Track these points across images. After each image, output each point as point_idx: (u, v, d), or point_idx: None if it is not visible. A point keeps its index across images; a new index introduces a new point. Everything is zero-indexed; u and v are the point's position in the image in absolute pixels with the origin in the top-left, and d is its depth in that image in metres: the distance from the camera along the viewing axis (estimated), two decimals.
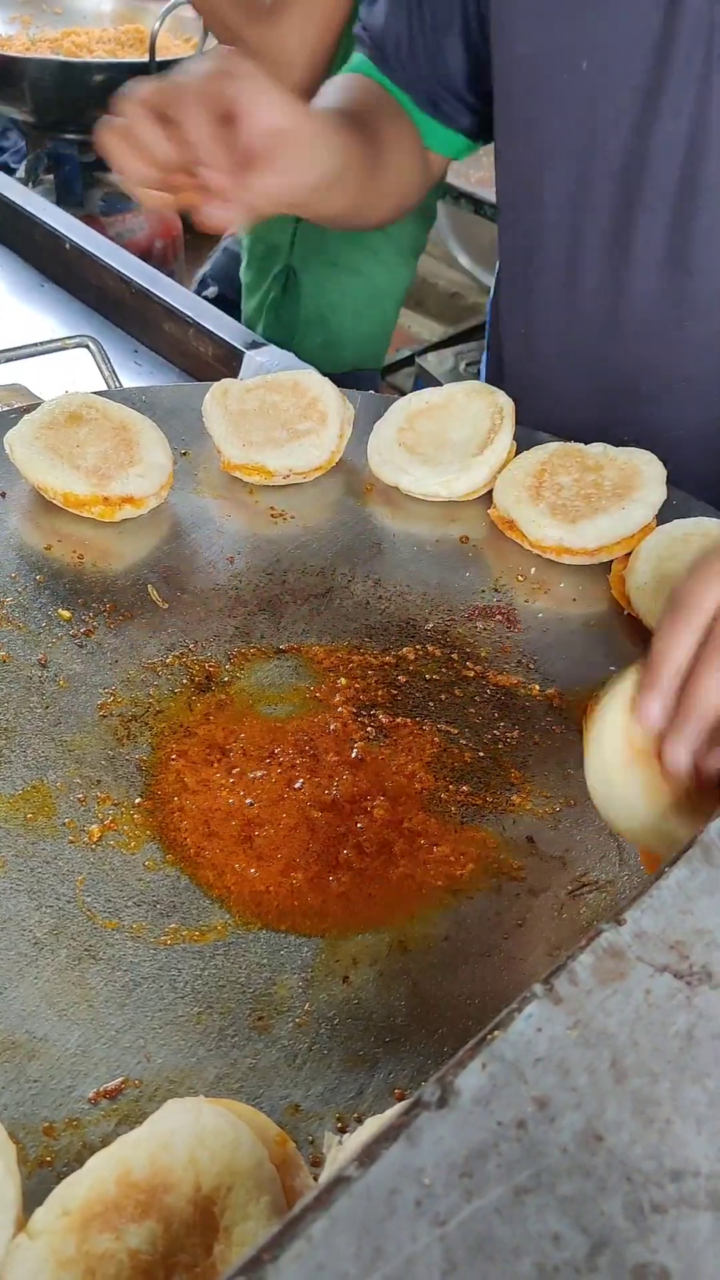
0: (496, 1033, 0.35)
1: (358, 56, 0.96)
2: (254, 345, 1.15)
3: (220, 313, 1.24)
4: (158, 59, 1.92)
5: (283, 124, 0.73)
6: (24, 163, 2.33)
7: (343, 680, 0.71)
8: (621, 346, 0.88)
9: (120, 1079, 0.49)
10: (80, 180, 2.33)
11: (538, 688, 0.72)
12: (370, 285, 1.45)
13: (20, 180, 1.87)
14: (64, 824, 0.60)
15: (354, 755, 0.66)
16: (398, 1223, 0.30)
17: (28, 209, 1.40)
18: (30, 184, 2.14)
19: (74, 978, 0.53)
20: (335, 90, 0.94)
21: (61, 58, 2.08)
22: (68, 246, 1.35)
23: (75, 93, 2.00)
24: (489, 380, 1.02)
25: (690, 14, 0.73)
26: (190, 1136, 0.41)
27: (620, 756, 0.51)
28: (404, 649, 0.74)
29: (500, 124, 0.89)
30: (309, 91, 0.97)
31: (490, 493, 0.85)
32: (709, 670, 0.49)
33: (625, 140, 0.79)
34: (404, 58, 0.92)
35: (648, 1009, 0.36)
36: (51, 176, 2.28)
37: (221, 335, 1.14)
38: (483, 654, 0.74)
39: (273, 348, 1.11)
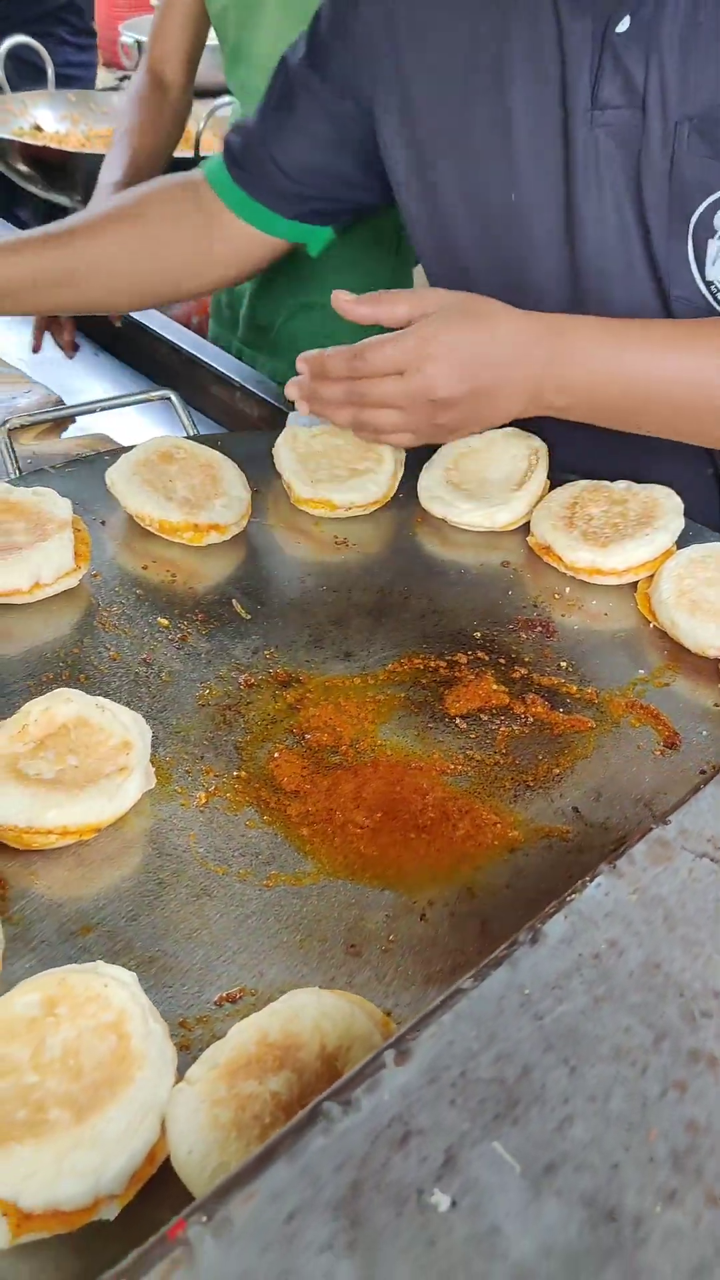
0: (574, 895, 0.44)
1: (212, 164, 1.10)
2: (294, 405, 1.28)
3: (263, 376, 1.38)
4: (201, 154, 2.09)
5: None
6: None
7: (405, 678, 0.81)
8: None
9: (239, 987, 0.58)
10: None
11: (576, 687, 0.82)
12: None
13: None
14: (176, 790, 0.70)
15: (415, 736, 0.76)
16: (505, 1019, 0.39)
17: None
18: None
19: (194, 910, 0.62)
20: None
21: None
22: (119, 324, 1.49)
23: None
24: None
25: (579, 142, 0.86)
26: (315, 1010, 0.51)
27: None
28: (457, 654, 0.84)
29: (425, 251, 1.03)
30: None
31: (528, 524, 0.96)
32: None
33: (537, 256, 0.92)
34: (261, 164, 1.06)
35: (691, 882, 0.45)
36: None
37: (265, 396, 1.27)
38: (526, 659, 0.84)
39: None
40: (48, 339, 1.51)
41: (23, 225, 2.24)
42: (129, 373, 1.59)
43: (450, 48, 0.91)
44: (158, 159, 1.49)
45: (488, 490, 0.97)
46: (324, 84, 1.00)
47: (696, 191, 0.84)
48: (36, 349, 1.49)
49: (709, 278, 0.87)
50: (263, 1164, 0.34)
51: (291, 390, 0.89)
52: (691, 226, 0.85)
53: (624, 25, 0.81)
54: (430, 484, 0.98)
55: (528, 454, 0.98)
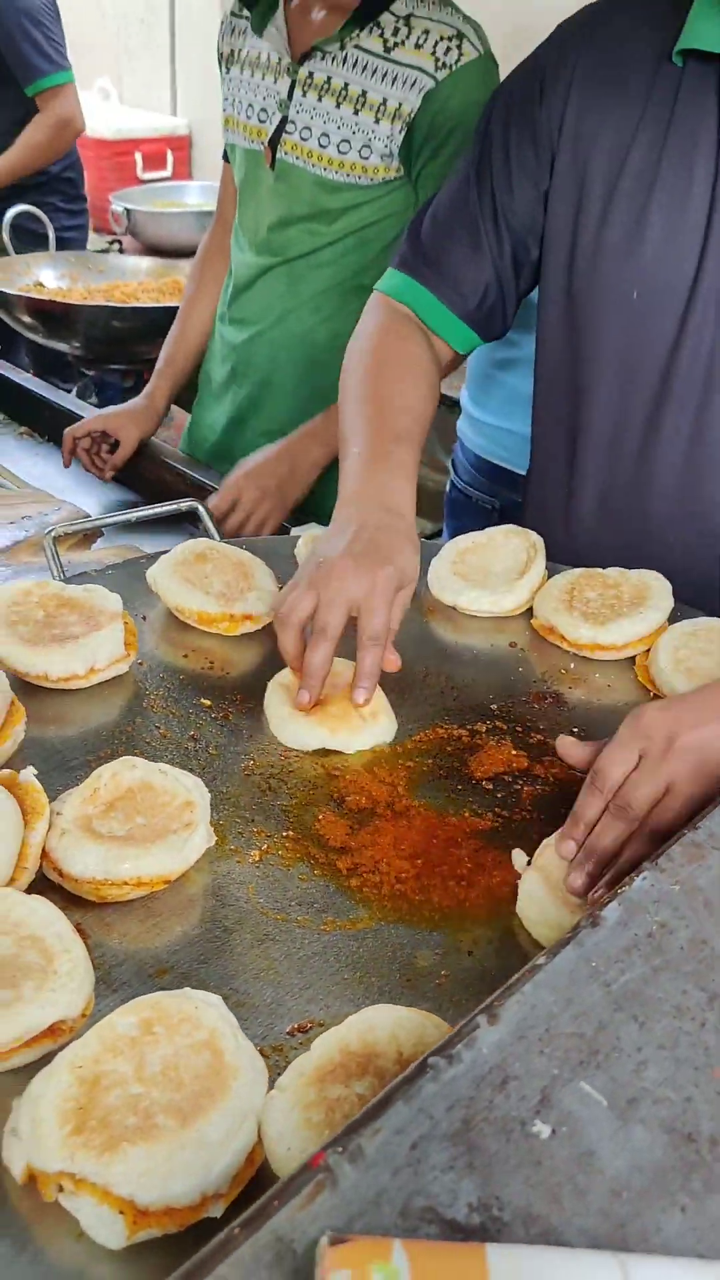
0: (623, 888, 0.50)
1: (393, 278, 1.14)
2: (299, 524, 1.39)
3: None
4: None
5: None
6: (75, 387, 2.68)
7: (432, 747, 0.87)
8: (651, 505, 1.09)
9: (308, 1019, 0.62)
10: (121, 400, 2.68)
11: None
12: None
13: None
14: (231, 849, 0.75)
15: (446, 797, 0.82)
16: (578, 985, 0.45)
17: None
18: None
19: (260, 953, 0.67)
20: (379, 352, 1.08)
21: (113, 304, 2.44)
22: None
23: (121, 332, 2.33)
24: (531, 526, 1.16)
25: (714, 255, 0.96)
26: (390, 1021, 0.55)
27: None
28: (477, 724, 0.91)
29: (547, 328, 1.10)
30: None
31: (531, 609, 1.05)
32: (607, 826, 0.70)
33: (664, 349, 1.02)
34: (454, 279, 1.10)
35: None
36: (96, 399, 2.63)
37: None
38: (541, 726, 0.91)
39: (315, 524, 1.34)
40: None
41: (23, 368, 2.40)
42: (126, 494, 1.72)
43: (609, 154, 1.00)
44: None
45: (493, 580, 1.06)
46: (503, 183, 1.06)
47: None
48: (67, 464, 1.62)
49: None
50: (382, 1107, 0.39)
51: (578, 881, 0.71)
52: None
53: None
54: (439, 575, 1.07)
55: (526, 547, 1.07)
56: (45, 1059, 0.54)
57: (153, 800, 0.72)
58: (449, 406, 2.42)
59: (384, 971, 0.66)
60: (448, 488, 1.94)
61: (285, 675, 0.89)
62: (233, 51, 1.50)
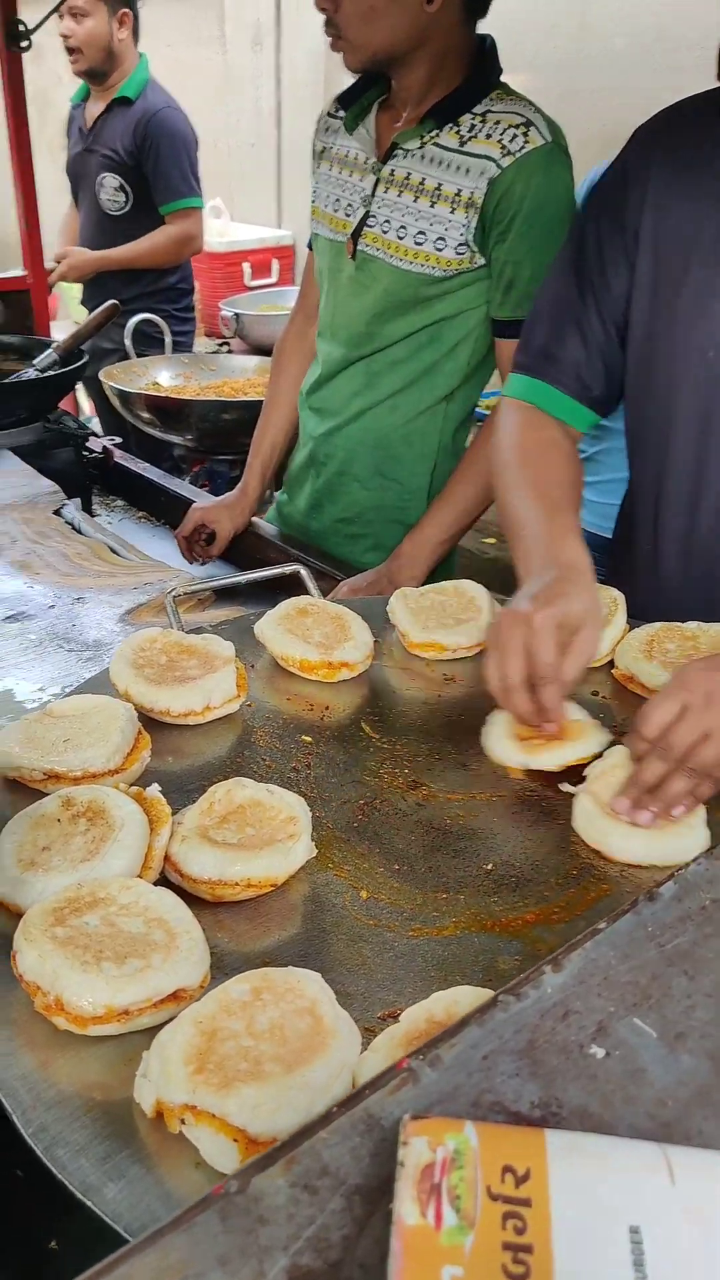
0: (680, 870, 0.56)
1: (516, 382, 1.24)
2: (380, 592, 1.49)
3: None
4: None
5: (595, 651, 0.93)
6: (187, 477, 2.89)
7: (521, 775, 0.94)
8: None
9: (397, 1007, 0.68)
10: (228, 488, 2.87)
11: None
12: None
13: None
14: (330, 864, 0.83)
15: (533, 821, 0.88)
16: (635, 944, 0.51)
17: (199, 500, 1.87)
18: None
19: (353, 952, 0.74)
20: (533, 466, 1.16)
21: (222, 398, 2.64)
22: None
23: (229, 424, 2.51)
24: (616, 581, 1.23)
25: None
26: (470, 996, 0.62)
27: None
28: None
29: (633, 394, 1.20)
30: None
31: (612, 661, 1.11)
32: (650, 764, 0.82)
33: None
34: (569, 369, 1.21)
35: None
36: (207, 487, 2.82)
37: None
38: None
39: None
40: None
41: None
42: (227, 566, 1.86)
43: (684, 236, 1.10)
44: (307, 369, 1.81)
45: None
46: (598, 276, 1.17)
47: None
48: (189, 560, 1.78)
49: None
50: (458, 1029, 0.46)
51: (628, 810, 0.86)
52: None
53: None
54: None
55: (607, 601, 1.14)
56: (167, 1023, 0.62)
57: (261, 814, 0.81)
58: None
59: (467, 972, 0.72)
60: None
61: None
62: (324, 148, 1.62)
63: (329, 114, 1.63)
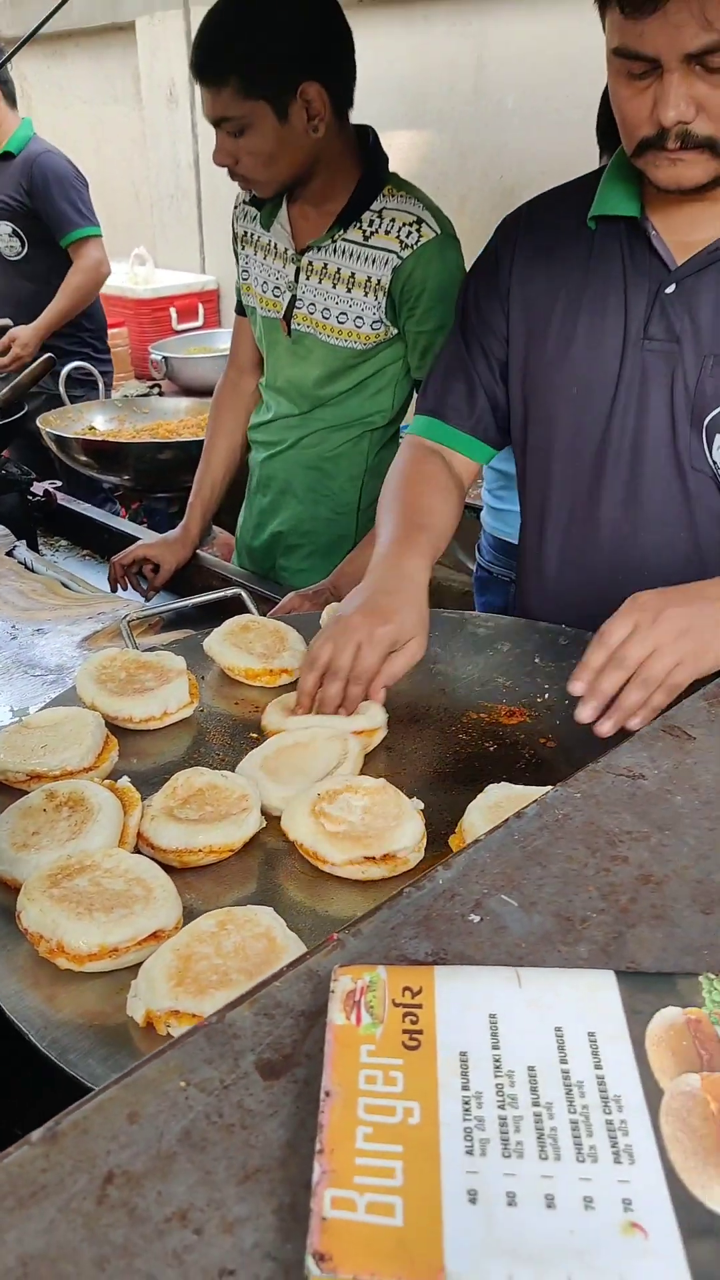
0: (541, 796, 0.73)
1: (418, 422, 1.45)
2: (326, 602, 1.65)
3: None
4: None
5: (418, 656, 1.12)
6: (111, 507, 3.02)
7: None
8: (599, 558, 1.34)
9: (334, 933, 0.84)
10: (167, 525, 3.01)
11: None
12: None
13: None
14: (277, 834, 0.98)
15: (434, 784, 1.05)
16: (504, 847, 0.68)
17: (141, 538, 2.03)
18: None
19: (306, 895, 0.89)
20: (414, 484, 1.35)
21: (158, 440, 2.79)
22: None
23: (165, 464, 2.66)
24: (519, 597, 1.45)
25: (630, 359, 1.25)
26: None
27: None
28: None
29: (517, 426, 1.39)
30: None
31: None
32: (608, 675, 0.97)
33: (597, 431, 1.29)
34: (461, 409, 1.40)
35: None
36: (145, 523, 2.96)
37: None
38: None
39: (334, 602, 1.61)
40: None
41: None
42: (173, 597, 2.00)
43: (546, 297, 1.30)
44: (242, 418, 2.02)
45: (300, 781, 1.03)
46: (481, 333, 1.36)
47: (712, 401, 1.21)
48: (113, 589, 1.92)
49: (715, 459, 1.24)
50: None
51: (586, 713, 1.01)
52: (705, 425, 1.23)
53: (671, 289, 1.21)
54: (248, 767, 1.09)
55: (340, 754, 1.06)
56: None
57: (217, 795, 0.96)
58: (474, 514, 2.74)
59: None
60: (475, 569, 2.37)
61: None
62: (246, 233, 1.84)
63: (245, 203, 1.84)
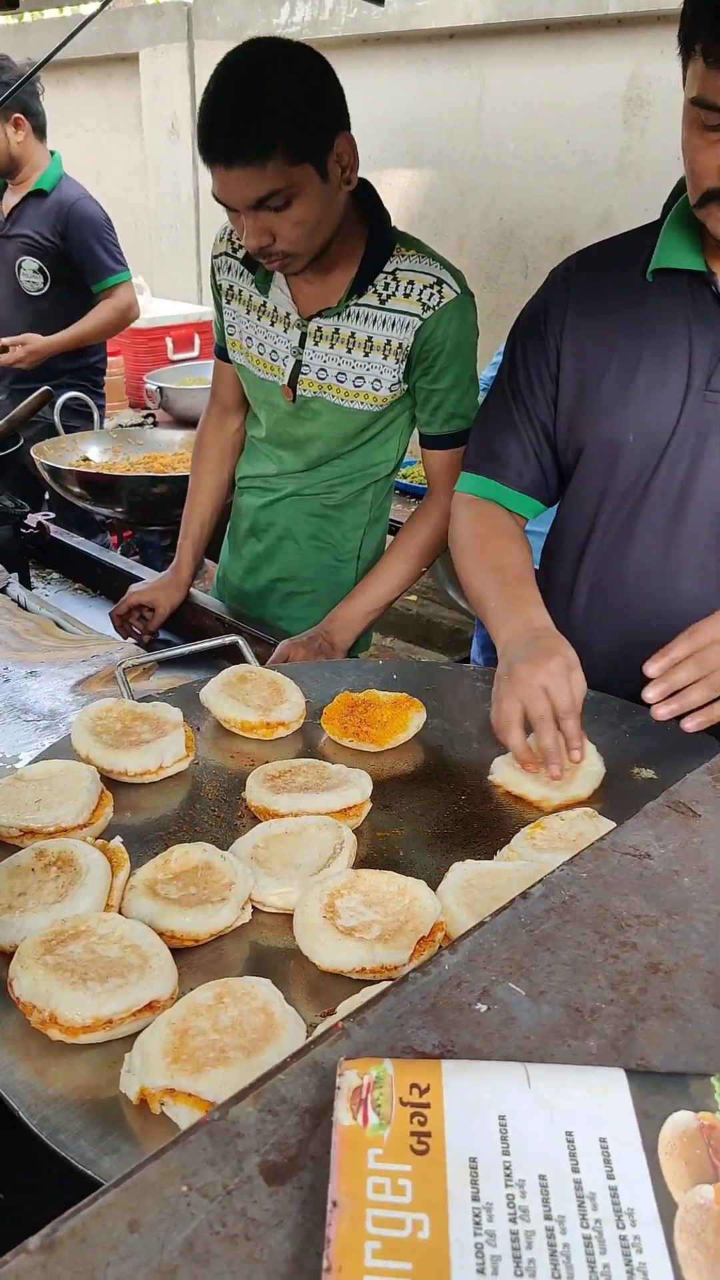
0: (547, 876, 0.72)
1: (467, 480, 1.45)
2: (320, 648, 1.64)
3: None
4: None
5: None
6: (101, 537, 3.02)
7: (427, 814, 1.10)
8: (627, 593, 1.35)
9: (330, 1008, 0.83)
10: (160, 558, 3.01)
11: None
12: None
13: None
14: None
15: (446, 850, 1.04)
16: (511, 930, 0.67)
17: (134, 573, 2.01)
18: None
19: (298, 970, 0.88)
20: (493, 541, 1.38)
21: (153, 474, 2.78)
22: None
23: (160, 497, 2.65)
24: None
25: (690, 408, 1.26)
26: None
27: None
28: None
29: (568, 473, 1.40)
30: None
31: None
32: (685, 668, 1.03)
33: (645, 475, 1.30)
34: (514, 468, 1.41)
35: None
36: (137, 555, 2.95)
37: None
38: None
39: None
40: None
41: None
42: (169, 637, 1.99)
43: (601, 348, 1.31)
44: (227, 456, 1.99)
45: (290, 872, 0.97)
46: (528, 395, 1.38)
47: None
48: (124, 636, 1.91)
49: None
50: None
51: (652, 694, 1.08)
52: None
53: None
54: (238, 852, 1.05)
55: (334, 842, 1.02)
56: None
57: (208, 877, 0.93)
58: None
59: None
60: None
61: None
62: (232, 288, 1.71)
63: (226, 253, 1.72)
